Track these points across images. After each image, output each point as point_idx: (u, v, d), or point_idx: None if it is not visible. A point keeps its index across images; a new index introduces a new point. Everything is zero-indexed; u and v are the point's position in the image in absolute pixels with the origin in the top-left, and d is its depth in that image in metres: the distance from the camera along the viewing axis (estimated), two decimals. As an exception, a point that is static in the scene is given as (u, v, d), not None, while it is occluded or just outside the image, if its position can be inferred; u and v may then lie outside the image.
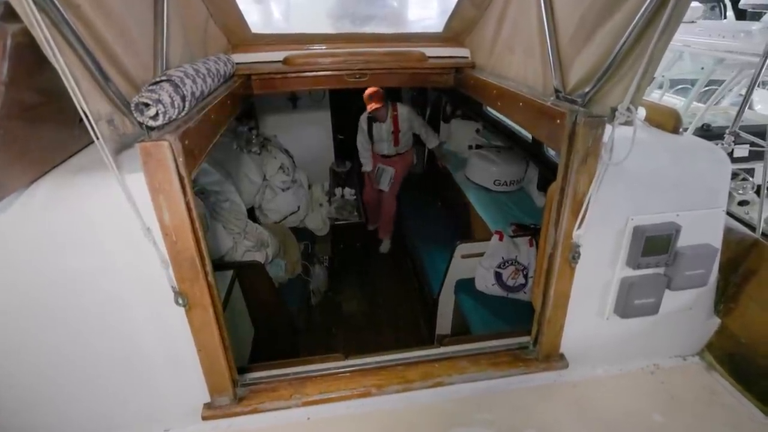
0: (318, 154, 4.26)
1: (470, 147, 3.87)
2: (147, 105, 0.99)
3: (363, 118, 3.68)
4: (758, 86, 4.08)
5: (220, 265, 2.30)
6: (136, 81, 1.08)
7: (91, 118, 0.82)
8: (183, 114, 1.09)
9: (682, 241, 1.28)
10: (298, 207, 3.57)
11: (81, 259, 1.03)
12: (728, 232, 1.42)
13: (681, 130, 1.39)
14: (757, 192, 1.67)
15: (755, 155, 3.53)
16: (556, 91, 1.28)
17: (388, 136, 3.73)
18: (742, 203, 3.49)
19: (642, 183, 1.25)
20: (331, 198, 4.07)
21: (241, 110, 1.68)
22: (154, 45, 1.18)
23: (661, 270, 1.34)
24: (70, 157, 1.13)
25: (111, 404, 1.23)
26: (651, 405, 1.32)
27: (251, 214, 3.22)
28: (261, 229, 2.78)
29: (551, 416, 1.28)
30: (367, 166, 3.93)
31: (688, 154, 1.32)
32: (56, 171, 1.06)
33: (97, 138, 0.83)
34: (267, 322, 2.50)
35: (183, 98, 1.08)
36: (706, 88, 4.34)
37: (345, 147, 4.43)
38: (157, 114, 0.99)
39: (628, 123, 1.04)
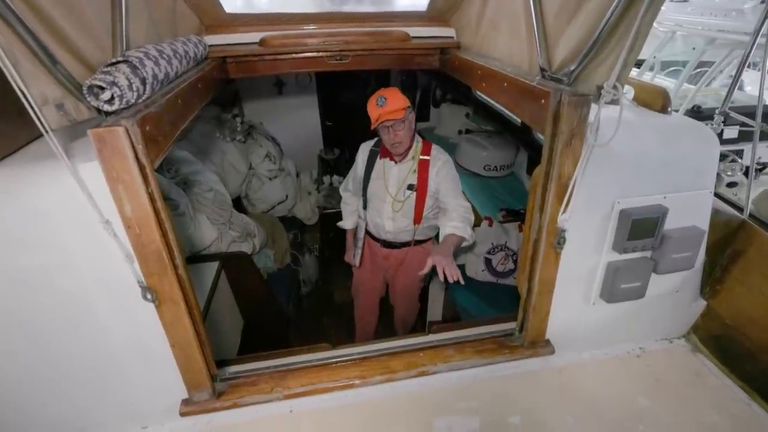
0: (306, 141, 4.15)
1: (460, 132, 3.80)
2: (101, 88, 0.92)
3: (364, 147, 2.05)
4: (748, 67, 4.05)
5: (205, 256, 2.25)
6: (92, 63, 1.00)
7: (32, 101, 0.75)
8: (144, 98, 1.01)
9: (669, 224, 1.25)
10: (286, 196, 3.49)
11: (37, 256, 0.97)
12: (715, 213, 1.39)
13: (670, 109, 1.35)
14: (746, 173, 1.64)
15: (744, 136, 3.52)
16: (542, 69, 1.23)
17: (403, 192, 1.92)
18: (730, 185, 3.49)
19: (629, 164, 1.21)
20: (320, 186, 3.99)
21: (215, 95, 1.60)
22: (112, 24, 1.09)
23: (647, 253, 1.32)
24: (24, 146, 1.06)
25: (83, 405, 1.19)
26: (636, 388, 1.32)
27: (238, 204, 3.15)
28: (247, 219, 2.72)
29: (536, 402, 1.28)
30: (346, 221, 2.28)
31: (675, 133, 1.28)
32: (6, 161, 0.99)
33: (40, 122, 0.77)
34: (256, 313, 2.47)
35: (143, 81, 1.00)
36: (698, 70, 4.29)
37: (333, 134, 4.32)
38: (112, 98, 0.92)
39: (614, 102, 0.99)
